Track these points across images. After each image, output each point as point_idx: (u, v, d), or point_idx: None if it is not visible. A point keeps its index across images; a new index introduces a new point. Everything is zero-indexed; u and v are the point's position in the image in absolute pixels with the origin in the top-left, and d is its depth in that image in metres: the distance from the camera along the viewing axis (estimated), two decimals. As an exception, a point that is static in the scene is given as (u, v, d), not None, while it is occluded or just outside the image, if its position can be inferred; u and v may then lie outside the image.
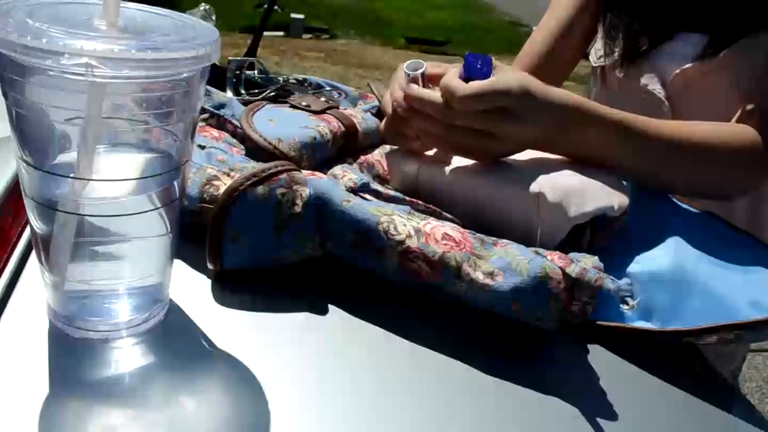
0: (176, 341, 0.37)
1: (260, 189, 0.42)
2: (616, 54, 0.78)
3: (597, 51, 0.81)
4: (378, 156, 0.59)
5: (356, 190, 0.46)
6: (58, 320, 0.36)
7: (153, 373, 0.35)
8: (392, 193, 0.48)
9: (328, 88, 0.71)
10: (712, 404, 0.41)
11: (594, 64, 0.82)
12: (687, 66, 0.70)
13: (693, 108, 0.73)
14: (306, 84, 0.71)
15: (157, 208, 0.34)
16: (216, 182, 0.44)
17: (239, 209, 0.42)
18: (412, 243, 0.42)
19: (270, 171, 0.42)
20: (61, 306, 0.36)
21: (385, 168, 0.57)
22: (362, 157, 0.58)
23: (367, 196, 0.46)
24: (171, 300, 0.39)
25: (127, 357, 0.36)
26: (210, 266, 0.43)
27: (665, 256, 0.47)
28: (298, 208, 0.43)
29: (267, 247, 0.43)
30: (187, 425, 0.32)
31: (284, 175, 0.43)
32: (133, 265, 0.36)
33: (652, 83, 0.74)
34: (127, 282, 0.36)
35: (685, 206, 0.58)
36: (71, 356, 0.35)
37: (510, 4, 7.51)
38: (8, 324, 0.36)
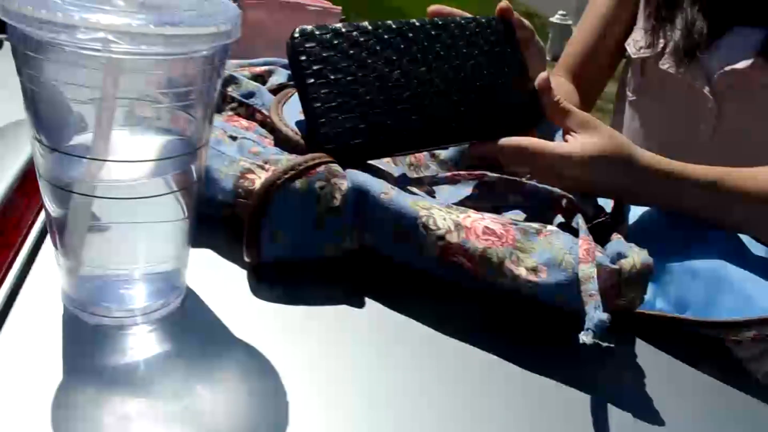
0: (193, 329, 0.36)
1: (298, 183, 0.41)
2: (659, 46, 0.75)
3: (637, 42, 0.79)
4: None
5: (397, 183, 0.45)
6: (73, 306, 0.35)
7: (169, 361, 0.34)
8: (434, 177, 0.48)
9: None
10: (745, 400, 0.40)
11: (633, 56, 0.80)
12: (738, 65, 0.68)
13: (740, 109, 0.71)
14: None
15: (174, 192, 0.33)
16: (251, 175, 0.43)
17: (277, 204, 0.41)
18: (452, 238, 0.41)
19: (307, 164, 0.41)
20: (75, 291, 0.35)
21: (416, 157, 0.56)
22: None
23: (408, 187, 0.45)
24: (188, 287, 0.39)
25: (142, 344, 0.35)
26: (247, 260, 0.42)
27: (700, 253, 0.45)
28: (337, 202, 0.42)
29: (306, 241, 0.42)
30: (202, 414, 0.31)
31: (322, 168, 0.42)
32: (149, 250, 0.35)
33: (698, 79, 0.72)
34: (143, 267, 0.35)
35: None
36: (86, 342, 0.34)
37: (526, -6, 7.44)
38: (23, 309, 0.35)
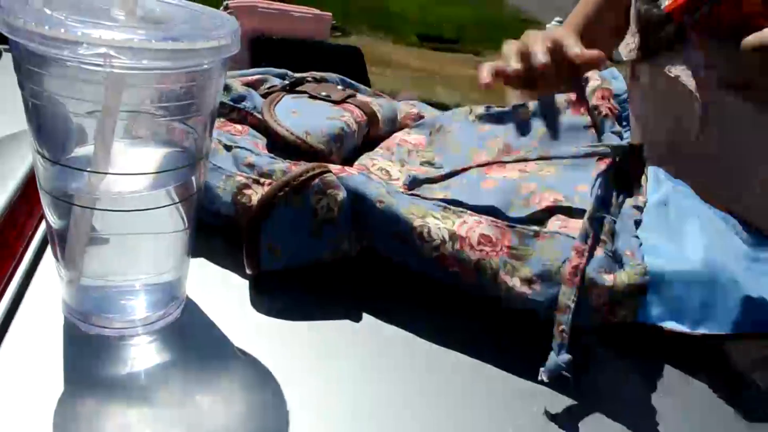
0: (193, 339, 0.37)
1: (294, 199, 0.41)
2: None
3: (628, 45, 0.80)
4: (401, 135, 0.58)
5: (409, 189, 0.45)
6: (74, 316, 0.35)
7: (169, 372, 0.34)
8: (446, 174, 0.48)
9: (341, 87, 0.70)
10: (744, 408, 0.40)
11: (625, 59, 0.81)
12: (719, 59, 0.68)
13: (725, 105, 0.71)
14: (320, 80, 0.70)
15: (175, 203, 0.33)
16: (247, 191, 0.44)
17: (274, 222, 0.41)
18: (446, 249, 0.41)
19: (302, 179, 0.42)
20: (76, 302, 0.35)
21: (413, 143, 0.56)
22: (383, 143, 0.57)
23: (416, 191, 0.46)
24: (188, 297, 0.39)
25: (143, 354, 0.35)
26: (248, 272, 0.42)
27: (695, 254, 0.45)
28: (333, 213, 0.42)
29: (304, 253, 0.43)
30: (202, 424, 0.32)
31: (317, 181, 0.42)
32: (149, 261, 0.35)
33: (683, 76, 0.72)
34: (143, 278, 0.35)
35: (707, 205, 0.56)
36: (86, 353, 0.34)
37: (523, 0, 7.48)
38: (23, 320, 0.36)
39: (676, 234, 0.48)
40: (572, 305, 0.38)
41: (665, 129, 0.78)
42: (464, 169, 0.48)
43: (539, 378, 0.36)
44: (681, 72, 0.73)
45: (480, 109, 0.57)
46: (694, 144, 0.74)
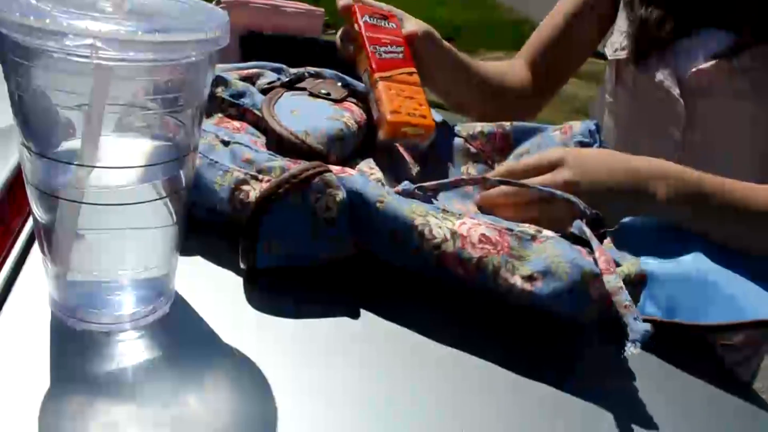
0: (181, 336, 0.36)
1: (293, 197, 0.41)
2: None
3: (613, 44, 0.79)
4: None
5: (401, 194, 0.45)
6: (61, 312, 0.35)
7: (157, 368, 0.34)
8: (438, 183, 0.48)
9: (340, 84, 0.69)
10: (732, 405, 0.40)
11: (610, 58, 0.80)
12: (706, 64, 0.68)
13: (709, 111, 0.70)
14: (317, 75, 0.69)
15: (163, 198, 0.33)
16: (245, 187, 0.43)
17: (272, 219, 0.41)
18: (448, 248, 0.41)
19: (301, 176, 0.41)
20: (63, 297, 0.35)
21: (410, 159, 0.56)
22: (382, 149, 0.57)
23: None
24: (177, 293, 0.39)
25: (130, 350, 0.35)
26: (243, 267, 0.42)
27: (688, 257, 0.46)
28: (332, 213, 0.42)
29: (301, 252, 0.43)
30: (190, 421, 0.31)
31: (317, 180, 0.42)
32: (137, 256, 0.35)
33: (668, 80, 0.72)
34: (131, 273, 0.35)
35: None
36: (73, 349, 0.34)
37: (517, 1, 7.49)
38: (10, 315, 0.35)
39: (666, 238, 0.48)
40: (622, 285, 0.38)
41: (649, 133, 0.78)
42: (455, 183, 0.49)
43: (627, 353, 0.36)
44: (665, 77, 0.72)
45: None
46: (676, 146, 0.74)
